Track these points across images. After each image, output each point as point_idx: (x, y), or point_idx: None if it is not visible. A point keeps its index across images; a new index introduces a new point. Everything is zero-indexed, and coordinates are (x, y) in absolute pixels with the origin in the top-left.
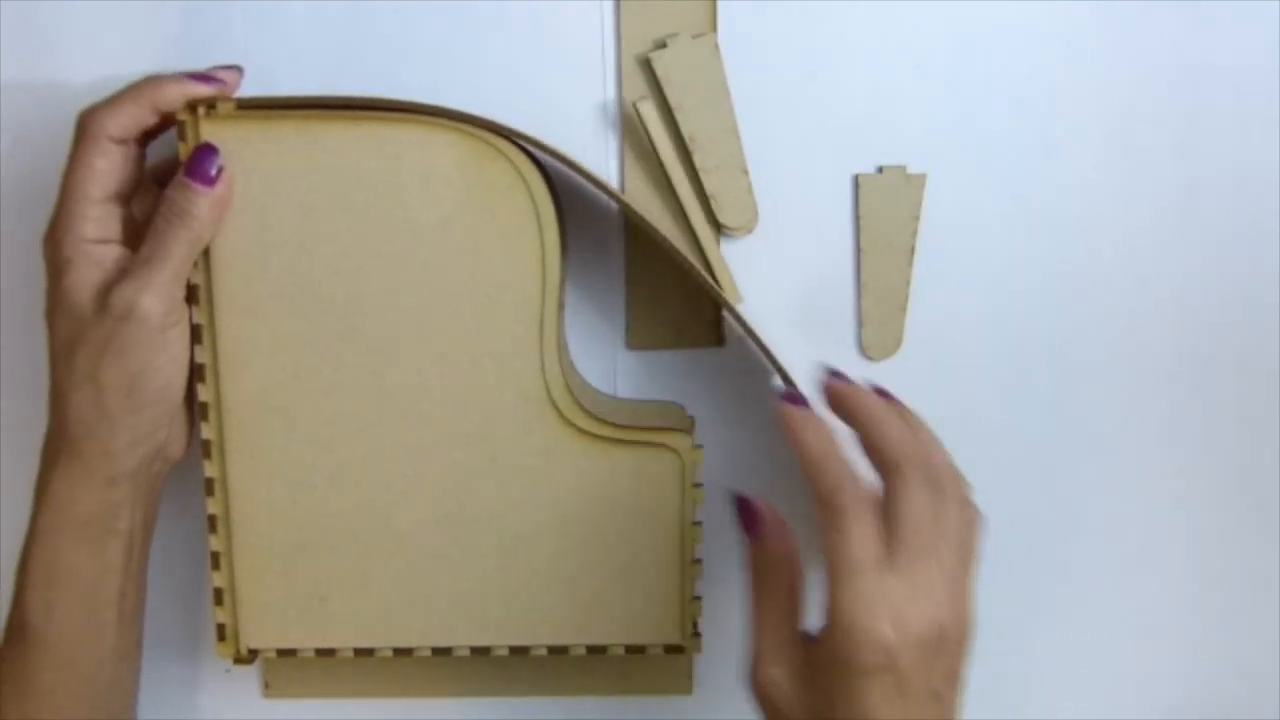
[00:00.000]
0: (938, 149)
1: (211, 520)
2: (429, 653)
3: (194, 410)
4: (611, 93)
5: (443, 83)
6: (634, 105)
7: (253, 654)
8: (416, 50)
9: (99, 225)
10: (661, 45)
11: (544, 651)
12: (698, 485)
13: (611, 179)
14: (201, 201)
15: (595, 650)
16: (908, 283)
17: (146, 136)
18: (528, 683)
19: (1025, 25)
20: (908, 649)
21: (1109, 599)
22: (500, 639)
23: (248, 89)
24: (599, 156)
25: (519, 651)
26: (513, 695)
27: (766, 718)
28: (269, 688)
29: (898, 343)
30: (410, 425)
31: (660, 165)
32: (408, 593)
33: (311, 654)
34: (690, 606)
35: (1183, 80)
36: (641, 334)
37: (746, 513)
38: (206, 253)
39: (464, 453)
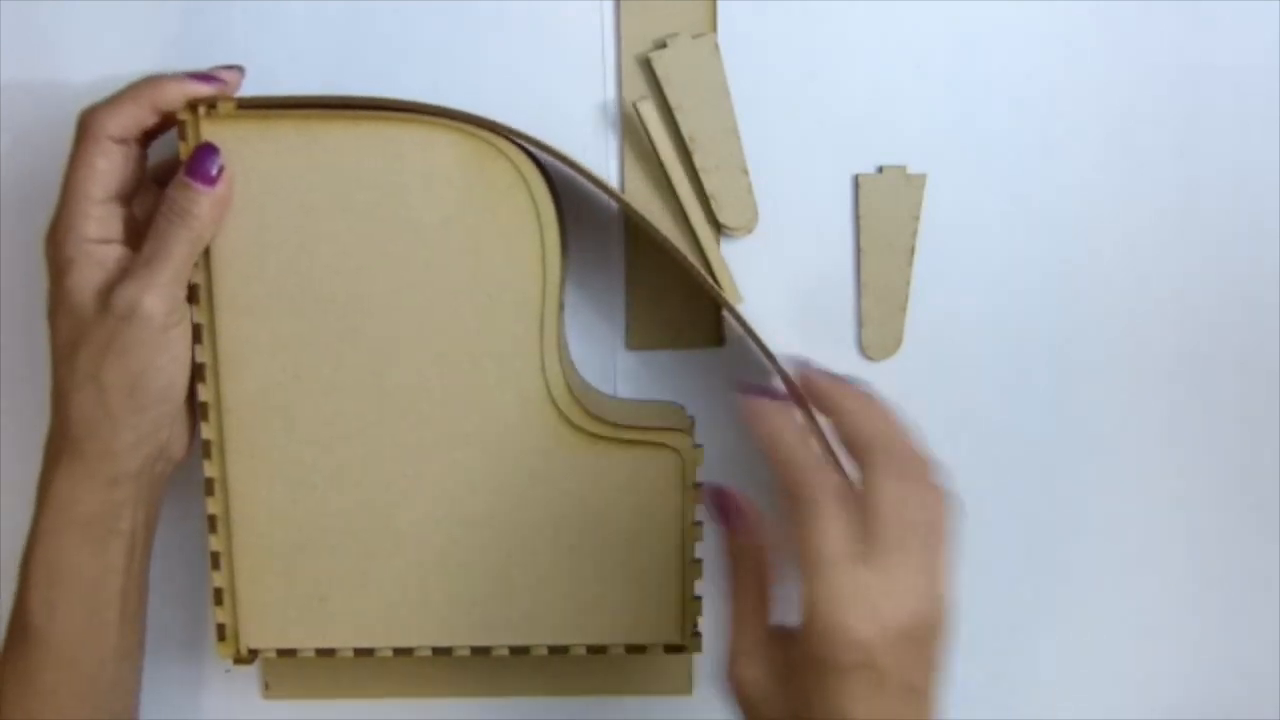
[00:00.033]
0: (938, 149)
1: (211, 520)
2: (429, 653)
3: (195, 410)
4: (611, 93)
5: (443, 83)
6: (634, 105)
7: (253, 654)
8: (416, 50)
9: (101, 225)
10: (661, 45)
11: (544, 651)
12: (698, 485)
13: (611, 179)
14: (202, 201)
15: (595, 650)
16: (908, 283)
17: (148, 136)
18: (528, 683)
19: (1025, 25)
20: (886, 644)
21: (1109, 599)
22: (500, 639)
23: (248, 89)
24: (599, 156)
25: (519, 651)
26: (513, 695)
27: (745, 716)
28: (269, 688)
29: (898, 343)
30: (410, 425)
31: (660, 165)
32: (408, 593)
33: (311, 654)
34: (690, 606)
35: (1183, 80)
36: (641, 334)
37: (722, 505)
38: (206, 252)
39: (464, 453)
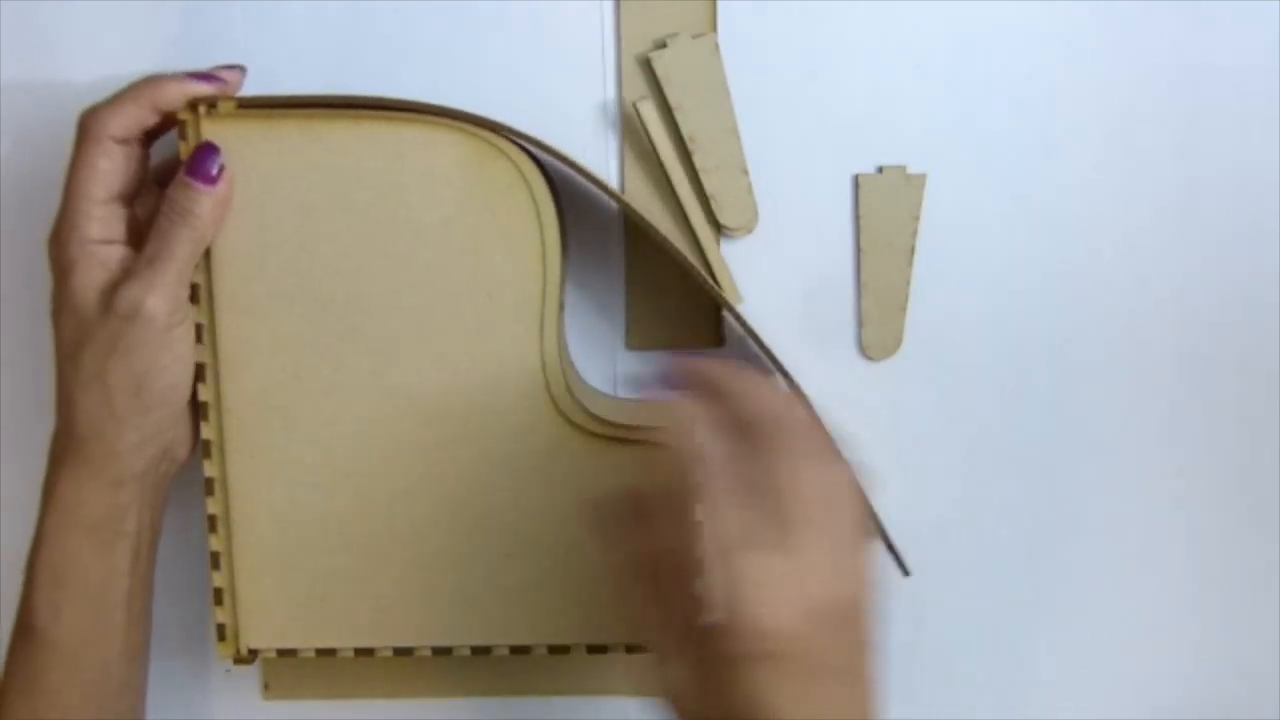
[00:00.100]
0: (938, 149)
1: (211, 520)
2: (429, 653)
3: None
4: (611, 93)
5: (443, 83)
6: (634, 105)
7: (253, 654)
8: (416, 50)
9: (103, 226)
10: (661, 45)
11: (544, 651)
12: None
13: (611, 179)
14: (204, 200)
15: (595, 650)
16: (908, 283)
17: (149, 136)
18: (528, 683)
19: (1025, 25)
20: (801, 629)
21: (1109, 599)
22: (500, 639)
23: (248, 89)
24: (599, 156)
25: (519, 651)
26: (513, 695)
27: (680, 718)
28: (269, 688)
29: (898, 343)
30: (410, 425)
31: (660, 165)
32: (408, 593)
33: (311, 654)
34: None
35: (1183, 80)
36: (641, 334)
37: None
38: (207, 252)
39: (464, 452)
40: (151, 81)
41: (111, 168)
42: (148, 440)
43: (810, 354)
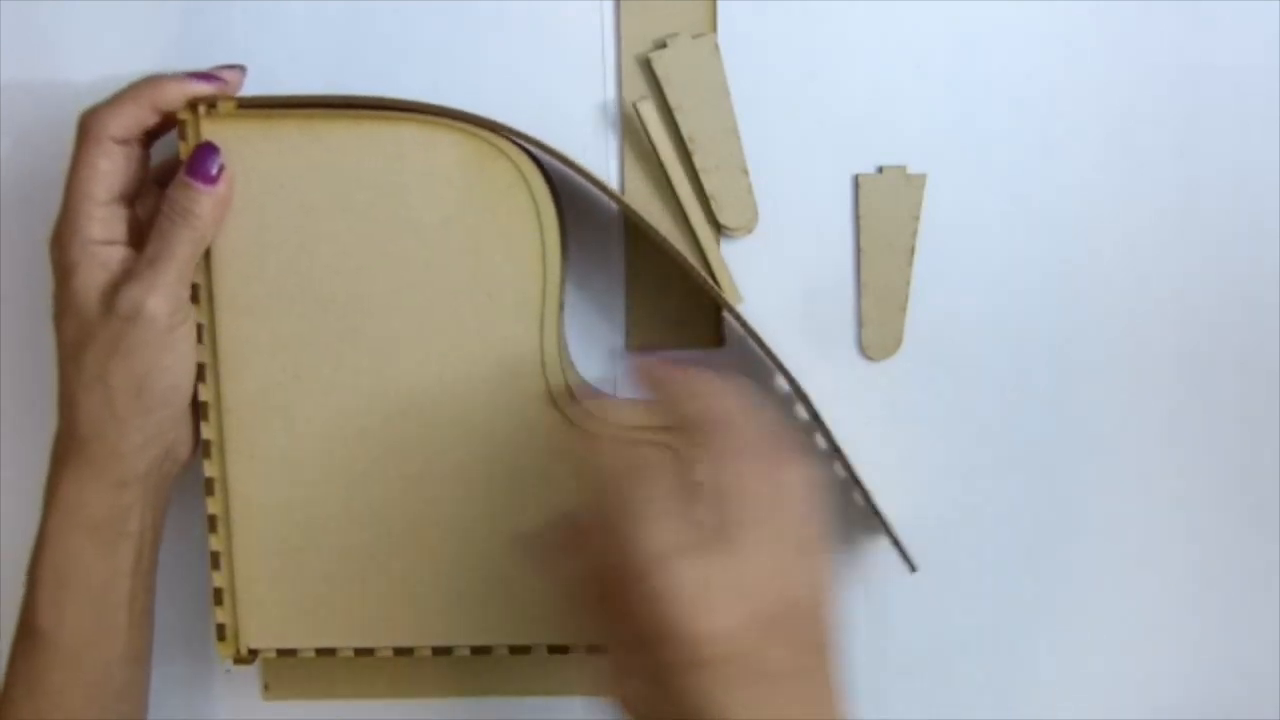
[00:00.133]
0: (938, 149)
1: (211, 520)
2: (429, 653)
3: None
4: (611, 93)
5: (443, 83)
6: (634, 105)
7: (253, 654)
8: (416, 50)
9: (104, 226)
10: (661, 45)
11: (544, 651)
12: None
13: (611, 179)
14: (204, 200)
15: (596, 650)
16: (908, 283)
17: (149, 137)
18: (529, 682)
19: (1025, 25)
20: (746, 631)
21: (1109, 599)
22: (500, 639)
23: (248, 89)
24: (599, 156)
25: (519, 651)
26: (513, 695)
27: None
28: (269, 688)
29: (898, 343)
30: (410, 425)
31: (660, 165)
32: (408, 593)
33: (311, 654)
34: None
35: (1183, 80)
36: (641, 334)
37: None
38: (207, 252)
39: (464, 452)
40: (151, 81)
41: (112, 168)
42: (150, 441)
43: (810, 354)
